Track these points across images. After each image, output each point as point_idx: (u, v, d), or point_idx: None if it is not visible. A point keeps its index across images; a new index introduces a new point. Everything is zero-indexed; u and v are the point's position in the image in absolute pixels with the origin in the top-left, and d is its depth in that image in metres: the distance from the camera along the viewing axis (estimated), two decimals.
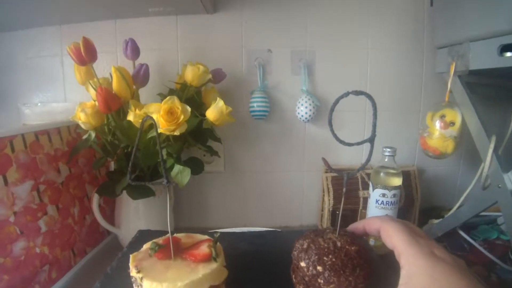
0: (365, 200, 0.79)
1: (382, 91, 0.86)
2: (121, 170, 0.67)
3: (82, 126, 0.61)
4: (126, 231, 0.69)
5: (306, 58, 0.84)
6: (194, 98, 0.72)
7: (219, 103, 0.64)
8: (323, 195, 0.86)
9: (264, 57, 0.83)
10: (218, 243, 0.39)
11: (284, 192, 0.91)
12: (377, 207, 0.71)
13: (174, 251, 0.36)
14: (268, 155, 0.88)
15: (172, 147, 0.62)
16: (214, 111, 0.65)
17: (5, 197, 0.51)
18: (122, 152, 0.67)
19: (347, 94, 0.29)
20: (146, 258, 0.36)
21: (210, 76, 0.71)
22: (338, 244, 0.33)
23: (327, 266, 0.31)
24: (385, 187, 0.70)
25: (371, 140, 0.31)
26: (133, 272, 0.33)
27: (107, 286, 0.38)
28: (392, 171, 0.71)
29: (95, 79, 0.65)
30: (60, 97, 0.86)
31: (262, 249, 0.47)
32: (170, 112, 0.57)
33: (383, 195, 0.70)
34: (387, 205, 0.70)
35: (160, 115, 0.56)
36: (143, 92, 0.72)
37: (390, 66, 0.86)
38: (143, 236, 0.51)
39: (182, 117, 0.57)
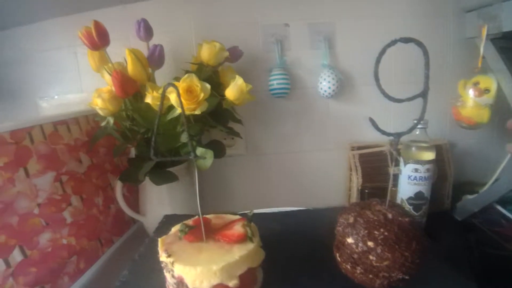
0: (395, 177, 0.74)
1: (408, 61, 0.80)
2: (142, 156, 0.65)
3: (100, 112, 0.59)
4: (151, 218, 0.68)
5: (326, 31, 0.79)
6: (212, 79, 0.69)
7: (238, 81, 0.61)
8: (351, 173, 0.82)
9: (281, 32, 0.79)
10: (252, 223, 0.36)
11: (308, 172, 0.87)
12: (410, 183, 0.67)
13: (206, 233, 0.33)
14: (291, 135, 0.85)
15: (192, 129, 0.59)
16: (233, 90, 0.62)
17: (27, 189, 0.50)
18: (141, 137, 0.65)
19: (394, 41, 0.25)
20: (175, 241, 0.33)
21: (227, 53, 0.68)
22: (389, 216, 0.29)
23: (379, 241, 0.28)
24: (418, 161, 0.65)
25: (424, 94, 0.27)
26: (163, 257, 0.31)
27: (136, 273, 0.36)
28: (424, 144, 0.66)
29: (110, 64, 0.63)
30: (77, 88, 0.85)
31: (296, 228, 0.44)
32: (189, 91, 0.54)
33: (416, 170, 0.66)
34: (420, 180, 0.66)
35: None
36: (159, 77, 0.69)
37: (415, 34, 0.78)
38: (169, 221, 0.49)
39: (202, 95, 0.54)
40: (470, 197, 0.75)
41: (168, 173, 0.64)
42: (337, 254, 0.33)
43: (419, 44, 0.26)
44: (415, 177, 0.66)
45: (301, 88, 0.82)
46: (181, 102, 0.30)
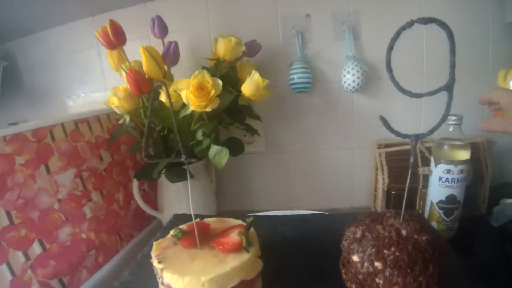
0: (426, 177, 0.68)
1: (441, 50, 0.72)
2: (159, 154, 0.66)
3: (116, 110, 0.60)
4: (168, 215, 0.68)
5: (350, 20, 0.74)
6: (229, 74, 0.68)
7: (254, 76, 0.59)
8: (376, 173, 0.77)
9: (302, 24, 0.75)
10: (251, 229, 0.33)
11: (331, 171, 0.83)
12: (441, 185, 0.61)
13: (201, 239, 0.31)
14: (313, 132, 0.81)
15: (206, 126, 0.58)
16: (249, 85, 0.60)
17: (48, 185, 0.52)
18: (158, 135, 0.65)
19: (411, 23, 0.22)
20: (171, 246, 0.32)
21: (243, 48, 0.65)
22: (403, 232, 0.25)
23: (388, 262, 0.24)
24: (451, 161, 0.59)
25: (449, 87, 0.23)
26: (154, 262, 0.30)
27: (136, 274, 0.35)
28: (458, 142, 0.60)
29: (127, 63, 0.63)
30: (101, 87, 0.88)
31: (306, 235, 0.41)
32: (200, 88, 0.52)
33: (448, 171, 0.60)
34: (452, 182, 0.60)
35: (190, 91, 0.52)
36: (178, 74, 0.69)
37: (449, 20, 0.71)
38: (178, 221, 0.48)
39: (213, 91, 0.52)
40: (509, 201, 0.69)
41: (184, 171, 0.63)
42: (343, 271, 0.29)
43: (441, 25, 0.22)
44: (447, 178, 0.60)
45: (324, 82, 0.77)
46: (170, 100, 0.28)
